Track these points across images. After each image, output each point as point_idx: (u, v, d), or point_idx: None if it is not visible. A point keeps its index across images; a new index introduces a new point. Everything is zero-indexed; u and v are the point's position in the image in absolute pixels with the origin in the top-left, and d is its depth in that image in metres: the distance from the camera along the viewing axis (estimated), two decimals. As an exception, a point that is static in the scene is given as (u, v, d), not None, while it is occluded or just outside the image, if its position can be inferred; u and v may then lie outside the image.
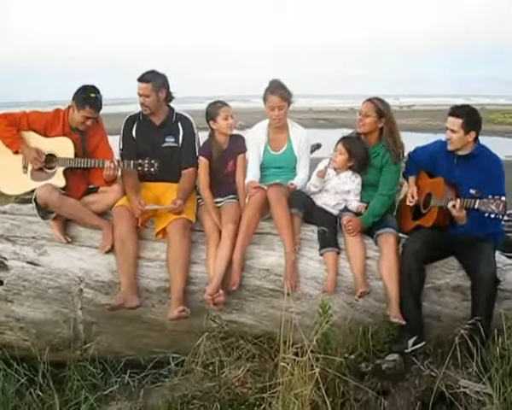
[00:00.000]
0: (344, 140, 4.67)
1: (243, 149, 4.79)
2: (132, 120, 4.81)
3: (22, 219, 4.52)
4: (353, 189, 4.64)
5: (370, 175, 4.66)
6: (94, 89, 4.58)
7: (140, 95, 4.63)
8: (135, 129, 4.77)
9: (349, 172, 4.66)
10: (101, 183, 4.60)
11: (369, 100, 4.62)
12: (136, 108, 4.86)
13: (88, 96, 4.51)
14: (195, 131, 4.84)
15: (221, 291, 4.16)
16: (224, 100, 4.87)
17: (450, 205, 4.12)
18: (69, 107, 4.63)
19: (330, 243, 4.40)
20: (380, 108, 4.55)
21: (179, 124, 4.78)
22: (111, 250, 4.32)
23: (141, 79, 4.62)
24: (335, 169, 4.67)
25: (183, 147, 4.75)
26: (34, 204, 4.41)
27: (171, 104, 4.86)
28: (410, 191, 4.59)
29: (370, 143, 4.65)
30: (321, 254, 4.37)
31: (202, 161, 4.70)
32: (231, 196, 4.72)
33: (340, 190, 4.65)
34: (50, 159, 4.58)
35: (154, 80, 4.62)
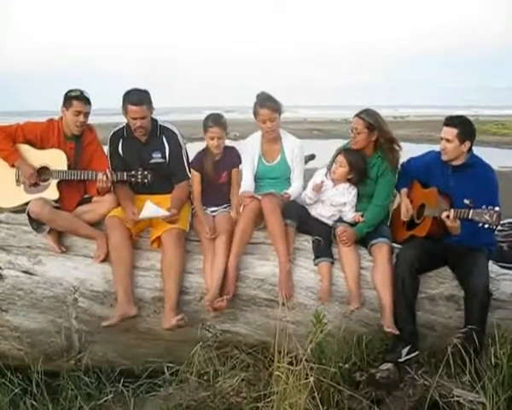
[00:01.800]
0: (345, 152, 4.61)
1: (237, 163, 4.80)
2: (117, 136, 4.73)
3: (17, 228, 4.52)
4: (349, 201, 4.63)
5: (367, 186, 4.66)
6: (77, 89, 4.57)
7: (136, 118, 4.50)
8: (121, 146, 4.71)
9: (346, 184, 4.65)
10: (95, 193, 4.61)
11: (358, 116, 4.58)
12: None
13: (72, 94, 4.54)
14: (181, 142, 4.75)
15: (224, 297, 4.17)
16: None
17: (443, 215, 4.13)
18: (61, 117, 4.65)
19: (325, 254, 4.40)
20: (370, 122, 4.52)
21: (164, 138, 4.70)
22: (105, 260, 4.33)
23: (136, 103, 4.48)
24: (333, 180, 4.68)
25: (172, 163, 4.69)
26: (28, 218, 4.40)
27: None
28: (403, 205, 4.60)
29: (367, 155, 4.63)
30: (315, 264, 4.38)
31: (194, 173, 4.71)
32: (226, 206, 4.76)
33: (336, 203, 4.63)
34: (44, 171, 4.59)
35: (146, 100, 4.54)
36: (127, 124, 4.67)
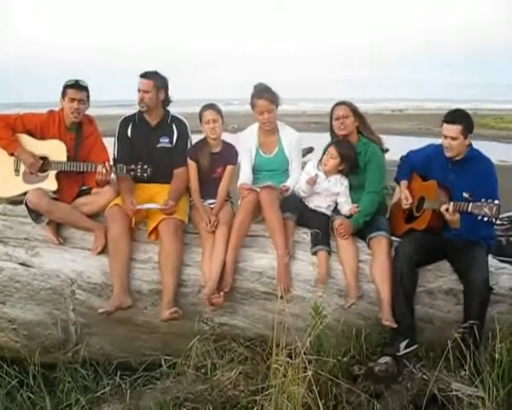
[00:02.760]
0: (336, 144, 4.64)
1: (233, 161, 4.77)
2: (127, 120, 4.83)
3: (14, 220, 4.49)
4: (342, 191, 4.65)
5: (357, 176, 4.67)
6: (73, 79, 4.62)
7: (140, 90, 4.67)
8: (130, 129, 4.79)
9: (338, 175, 4.67)
10: (94, 185, 4.60)
11: (343, 103, 4.68)
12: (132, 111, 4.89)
13: (68, 83, 4.58)
14: (189, 133, 4.86)
15: (221, 293, 4.17)
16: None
17: (443, 208, 4.12)
18: (62, 108, 4.63)
19: (322, 242, 4.40)
20: (354, 108, 4.65)
21: (174, 125, 4.80)
22: (103, 252, 4.31)
23: (144, 76, 4.70)
24: (324, 172, 4.68)
25: (177, 146, 4.77)
26: (26, 208, 4.38)
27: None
28: (403, 195, 4.59)
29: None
30: (313, 254, 4.37)
31: (190, 163, 4.70)
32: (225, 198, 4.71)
33: (330, 193, 4.66)
34: (43, 162, 4.56)
35: (156, 79, 4.69)
36: (139, 111, 4.81)
